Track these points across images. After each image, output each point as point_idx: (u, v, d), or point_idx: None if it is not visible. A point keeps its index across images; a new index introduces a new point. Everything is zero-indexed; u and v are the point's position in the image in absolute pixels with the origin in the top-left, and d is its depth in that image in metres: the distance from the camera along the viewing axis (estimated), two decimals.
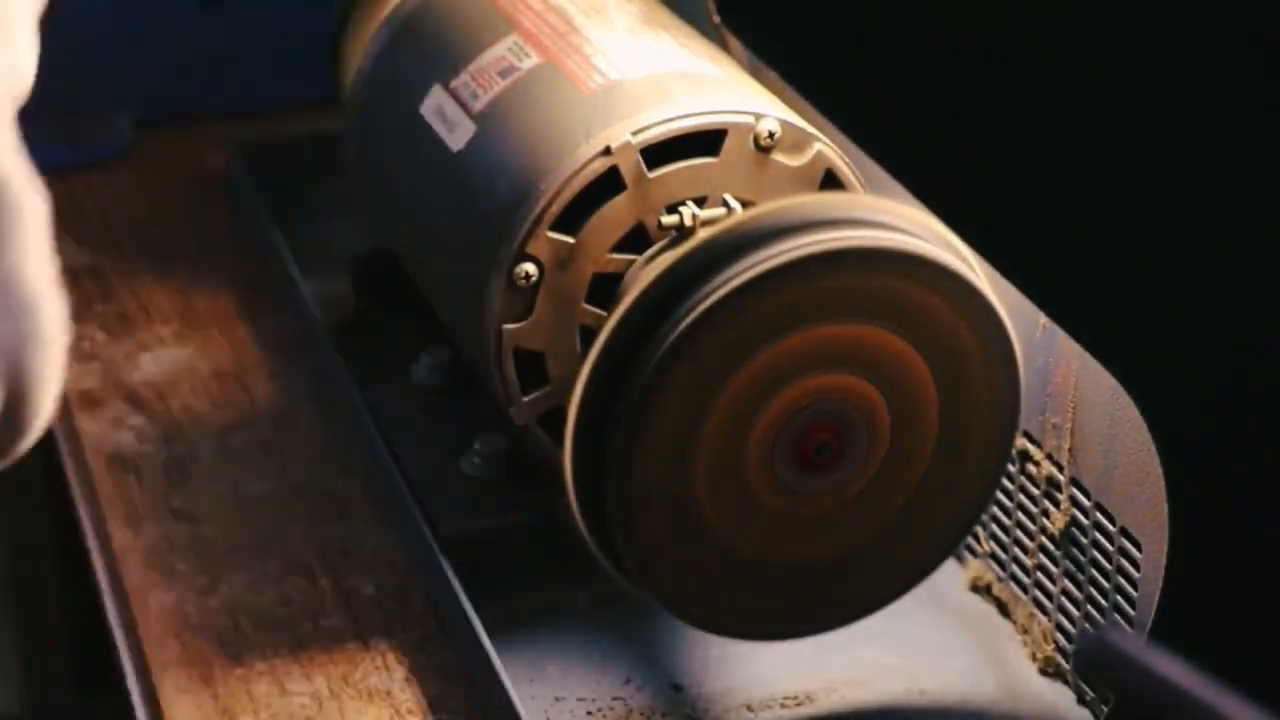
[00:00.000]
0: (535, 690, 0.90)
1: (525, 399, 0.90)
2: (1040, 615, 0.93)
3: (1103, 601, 0.88)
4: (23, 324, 0.64)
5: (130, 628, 0.95)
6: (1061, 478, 0.91)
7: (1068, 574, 0.91)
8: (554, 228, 0.88)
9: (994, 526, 0.96)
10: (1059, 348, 0.89)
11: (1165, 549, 0.79)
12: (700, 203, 0.88)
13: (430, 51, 1.00)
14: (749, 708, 0.89)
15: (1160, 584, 0.80)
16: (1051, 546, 0.92)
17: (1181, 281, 0.76)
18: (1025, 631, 0.94)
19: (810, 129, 0.90)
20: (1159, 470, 0.79)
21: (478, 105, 0.94)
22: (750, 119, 0.89)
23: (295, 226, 1.20)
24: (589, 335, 0.87)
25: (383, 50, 1.03)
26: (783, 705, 0.89)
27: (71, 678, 1.51)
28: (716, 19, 1.07)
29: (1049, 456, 0.92)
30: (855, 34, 0.93)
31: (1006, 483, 0.94)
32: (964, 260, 0.83)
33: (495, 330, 0.88)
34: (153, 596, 0.96)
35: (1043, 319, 0.89)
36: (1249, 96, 0.72)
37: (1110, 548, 0.87)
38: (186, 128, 1.36)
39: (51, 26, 1.34)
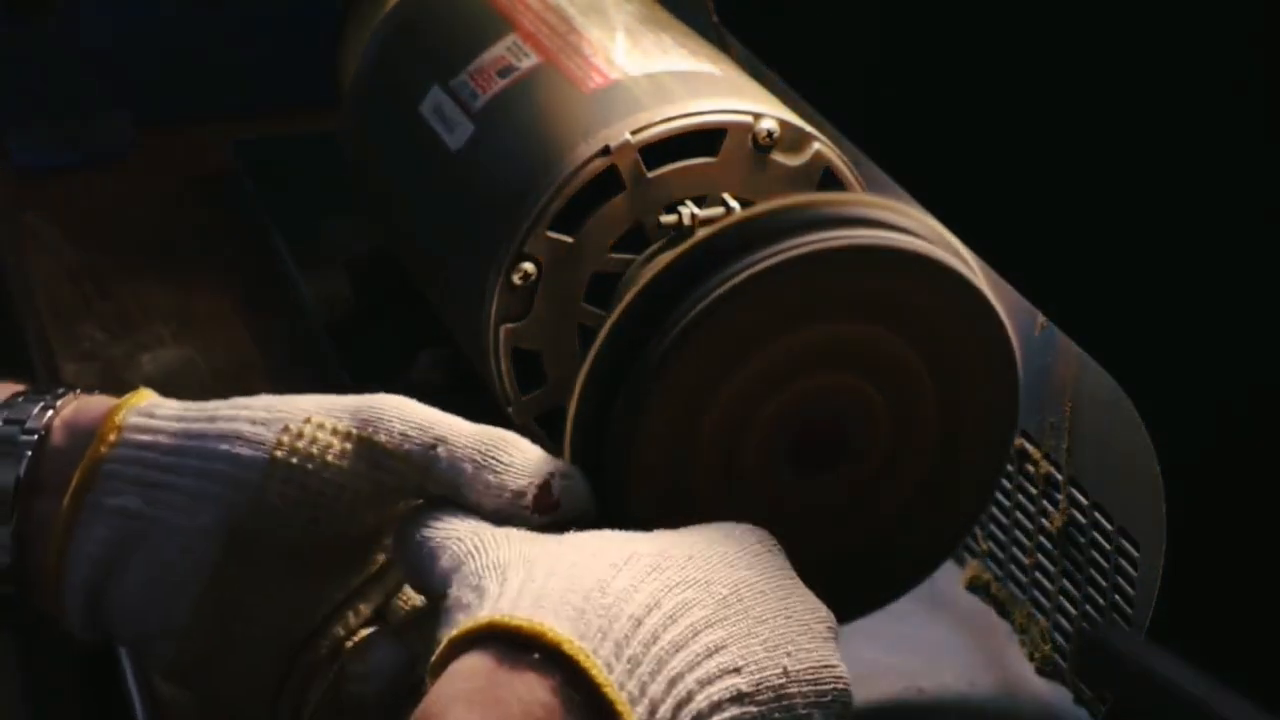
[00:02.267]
0: None
1: (524, 398, 0.90)
2: (1038, 615, 0.93)
3: (1100, 601, 0.88)
4: None
5: None
6: (1060, 477, 0.91)
7: (1066, 573, 0.91)
8: (553, 227, 0.88)
9: (992, 526, 0.96)
10: (1058, 347, 0.89)
11: (1163, 549, 0.79)
12: (699, 202, 0.88)
13: (429, 51, 1.00)
14: None
15: (1158, 584, 0.80)
16: (1050, 546, 0.92)
17: (1181, 281, 0.76)
18: (1023, 631, 0.94)
19: (809, 128, 0.90)
20: (1157, 470, 0.79)
21: (477, 105, 0.94)
22: (749, 118, 0.89)
23: (295, 226, 1.20)
24: (588, 335, 0.88)
25: (382, 50, 1.03)
26: None
27: (73, 676, 1.51)
28: (716, 19, 1.08)
29: (1047, 456, 0.92)
30: (855, 34, 0.93)
31: (1005, 482, 0.94)
32: (963, 260, 0.83)
33: (494, 330, 0.88)
34: None
35: (1041, 318, 0.89)
36: (1249, 96, 0.72)
37: (1108, 547, 0.88)
38: (186, 128, 1.36)
39: (52, 26, 1.34)
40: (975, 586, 0.97)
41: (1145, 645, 0.77)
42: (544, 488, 0.74)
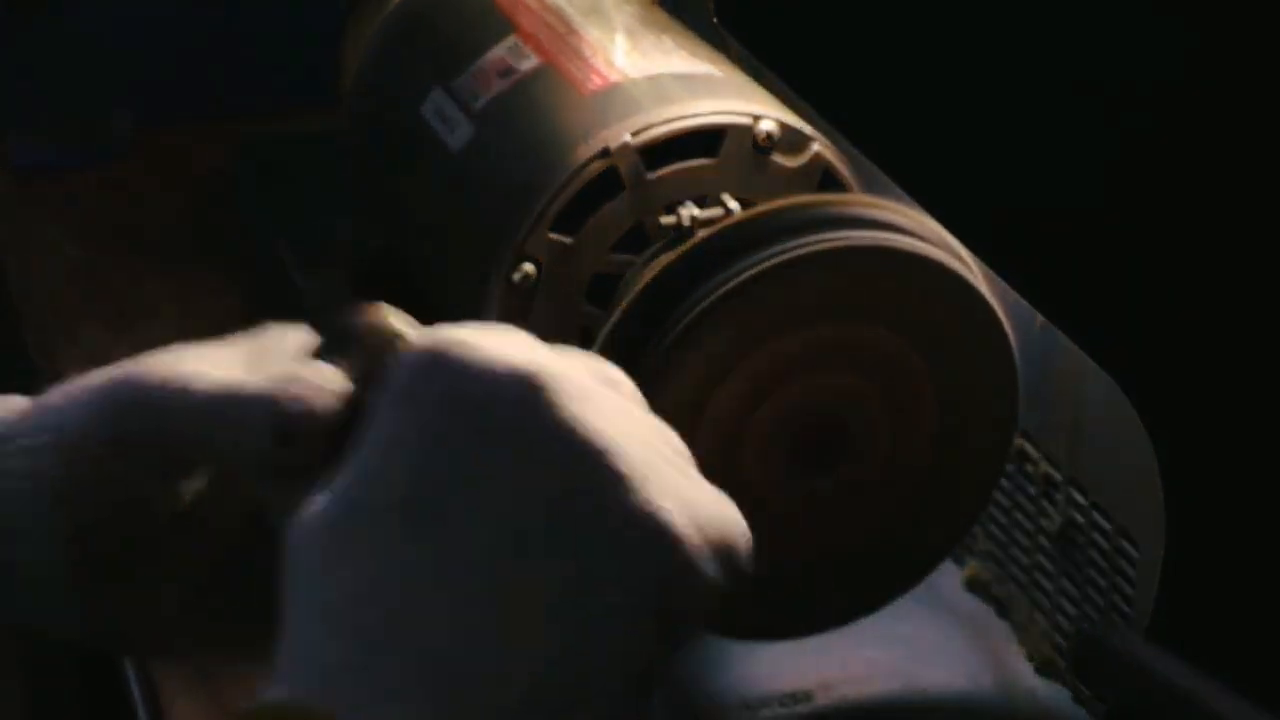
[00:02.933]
0: None
1: None
2: (1038, 614, 0.93)
3: (1100, 601, 0.89)
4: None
5: None
6: (1059, 477, 0.91)
7: (1065, 573, 0.91)
8: (553, 228, 0.88)
9: (992, 526, 0.97)
10: (1058, 347, 0.89)
11: (1162, 549, 0.79)
12: (699, 203, 0.88)
13: (430, 52, 1.00)
14: (747, 706, 0.89)
15: (1157, 584, 0.80)
16: (1049, 546, 0.92)
17: (1180, 281, 0.76)
18: (1022, 630, 0.94)
19: (809, 129, 0.90)
20: (1157, 470, 0.79)
21: (477, 106, 0.94)
22: (749, 120, 0.89)
23: (295, 226, 1.20)
24: (588, 335, 0.88)
25: (383, 50, 1.04)
26: (781, 704, 0.89)
27: (74, 679, 1.51)
28: (716, 19, 1.08)
29: (1047, 456, 0.92)
30: (855, 34, 0.93)
31: (1004, 482, 0.94)
32: (962, 260, 0.83)
33: None
34: None
35: (1039, 317, 0.89)
36: (1249, 99, 0.73)
37: (1107, 547, 0.88)
38: (186, 128, 1.36)
39: (52, 26, 1.34)
40: (975, 586, 0.97)
41: (1144, 645, 0.77)
42: (281, 433, 0.65)
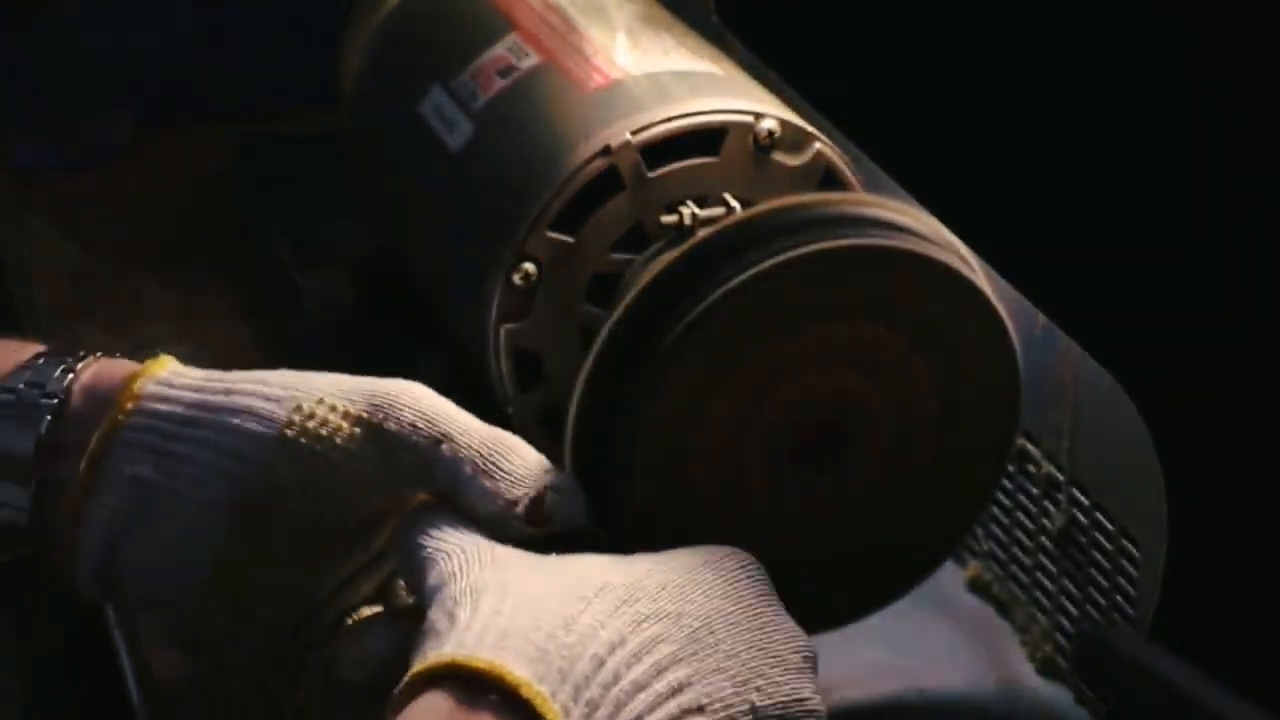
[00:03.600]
0: None
1: (524, 398, 0.90)
2: (1039, 615, 0.93)
3: (1101, 601, 0.88)
4: None
5: (129, 623, 0.95)
6: (1061, 477, 0.91)
7: (1067, 574, 0.91)
8: (553, 227, 0.88)
9: (993, 526, 0.96)
10: (1059, 347, 0.89)
11: (1164, 549, 0.79)
12: (700, 202, 0.88)
13: (429, 51, 1.00)
14: None
15: (1159, 584, 0.80)
16: (1050, 546, 0.92)
17: (1181, 281, 0.76)
18: (1024, 631, 0.94)
19: (810, 128, 0.90)
20: (1159, 470, 0.79)
21: (477, 105, 0.94)
22: (750, 118, 0.89)
23: (295, 226, 1.20)
24: (589, 335, 0.87)
25: (382, 49, 1.03)
26: None
27: (72, 677, 1.51)
28: (716, 19, 1.07)
29: (1048, 456, 0.92)
30: (855, 34, 0.93)
31: (1006, 482, 0.94)
32: (963, 260, 0.83)
33: (494, 330, 0.88)
34: None
35: (1042, 317, 0.89)
36: (1249, 100, 0.72)
37: (1109, 547, 0.88)
38: (186, 128, 1.36)
39: (52, 26, 1.34)
40: (976, 587, 0.97)
41: (1146, 645, 0.77)
42: (537, 501, 0.74)
